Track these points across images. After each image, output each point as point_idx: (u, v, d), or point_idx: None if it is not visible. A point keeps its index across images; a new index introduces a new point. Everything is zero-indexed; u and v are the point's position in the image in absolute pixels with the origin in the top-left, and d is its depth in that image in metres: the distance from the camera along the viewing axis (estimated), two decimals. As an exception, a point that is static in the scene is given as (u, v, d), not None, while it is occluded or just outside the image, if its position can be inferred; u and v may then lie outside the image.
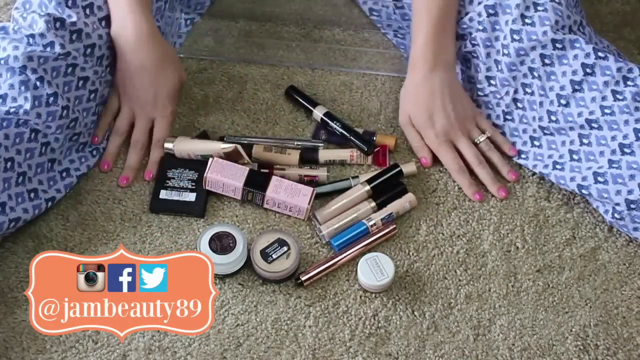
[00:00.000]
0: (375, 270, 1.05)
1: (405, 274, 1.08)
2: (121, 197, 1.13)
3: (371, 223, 1.10)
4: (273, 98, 1.23)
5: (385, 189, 1.13)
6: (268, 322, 1.04)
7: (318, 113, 1.19)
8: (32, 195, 1.05)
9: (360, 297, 1.06)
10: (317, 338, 1.03)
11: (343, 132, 1.16)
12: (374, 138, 1.18)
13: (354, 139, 1.16)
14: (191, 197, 1.11)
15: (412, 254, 1.10)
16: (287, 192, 1.09)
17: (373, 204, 1.11)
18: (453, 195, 1.15)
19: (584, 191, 1.08)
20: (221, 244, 1.05)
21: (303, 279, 1.06)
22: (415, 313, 1.05)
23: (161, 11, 1.20)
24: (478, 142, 1.15)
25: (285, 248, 1.06)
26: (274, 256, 1.05)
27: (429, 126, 1.14)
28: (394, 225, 1.09)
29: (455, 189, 1.15)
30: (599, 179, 1.06)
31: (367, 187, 1.12)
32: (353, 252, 1.08)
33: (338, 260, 1.07)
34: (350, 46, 1.29)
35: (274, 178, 1.10)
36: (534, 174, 1.17)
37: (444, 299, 1.07)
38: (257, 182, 1.10)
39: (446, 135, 1.14)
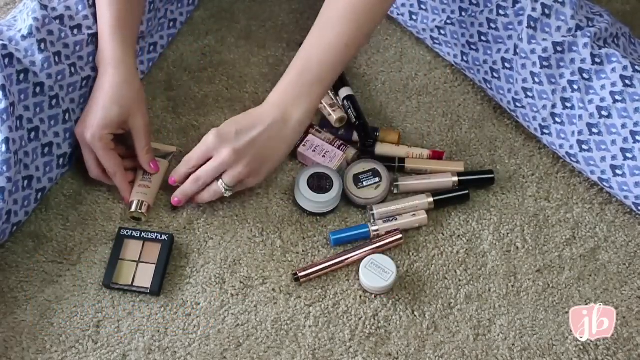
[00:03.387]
0: (378, 272, 1.05)
1: (405, 274, 1.08)
2: (121, 197, 1.13)
3: (374, 229, 1.09)
4: (273, 98, 1.23)
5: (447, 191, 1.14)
6: (268, 322, 1.04)
7: (342, 93, 1.21)
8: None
9: (360, 297, 1.06)
10: (317, 338, 1.03)
11: (356, 119, 1.18)
12: (377, 134, 1.18)
13: (360, 129, 1.17)
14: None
15: (412, 254, 1.10)
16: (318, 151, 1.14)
17: (431, 199, 1.12)
18: (453, 195, 1.15)
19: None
20: (319, 183, 1.09)
21: (300, 274, 1.06)
22: (415, 313, 1.05)
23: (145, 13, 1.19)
24: (218, 182, 1.07)
25: (377, 179, 1.11)
26: (365, 183, 1.11)
27: (219, 128, 1.06)
28: (400, 235, 1.09)
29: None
30: None
31: (431, 199, 1.12)
32: (353, 256, 1.08)
33: (337, 263, 1.07)
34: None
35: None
36: (534, 174, 1.17)
37: (444, 299, 1.07)
38: None
39: (217, 145, 1.05)
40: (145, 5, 1.18)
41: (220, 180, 1.07)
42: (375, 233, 1.10)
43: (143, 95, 1.10)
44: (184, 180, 1.10)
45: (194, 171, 1.08)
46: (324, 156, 1.14)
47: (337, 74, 1.08)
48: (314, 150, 1.15)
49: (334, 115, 1.18)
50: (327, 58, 1.06)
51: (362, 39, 1.07)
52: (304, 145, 1.15)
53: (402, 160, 1.16)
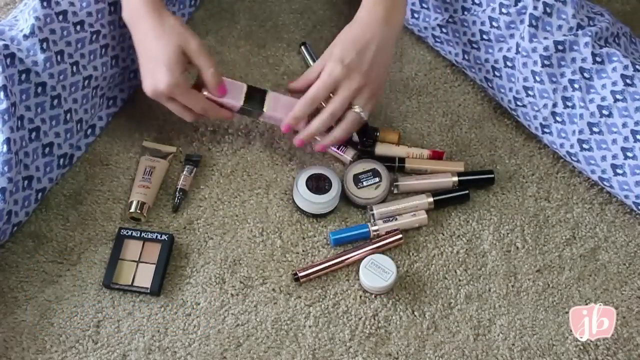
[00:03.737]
0: (378, 272, 1.05)
1: (405, 274, 1.08)
2: (121, 197, 1.13)
3: (374, 229, 1.09)
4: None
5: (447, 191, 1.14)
6: (268, 322, 1.04)
7: None
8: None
9: (360, 297, 1.06)
10: (317, 338, 1.03)
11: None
12: (377, 134, 1.18)
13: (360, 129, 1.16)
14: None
15: (412, 254, 1.10)
16: (284, 109, 1.10)
17: (431, 199, 1.12)
18: (453, 195, 1.15)
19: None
20: (317, 184, 1.10)
21: (300, 274, 1.06)
22: (415, 313, 1.05)
23: None
24: (354, 109, 1.08)
25: (377, 179, 1.11)
26: (365, 183, 1.11)
27: (339, 59, 1.06)
28: (400, 235, 1.09)
29: (455, 189, 1.15)
30: None
31: (431, 199, 1.12)
32: (353, 256, 1.08)
33: (337, 263, 1.07)
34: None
35: (270, 94, 1.11)
36: (534, 174, 1.17)
37: (444, 299, 1.07)
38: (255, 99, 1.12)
39: (345, 73, 1.05)
40: None
41: (356, 107, 1.07)
42: (375, 233, 1.10)
43: (182, 21, 1.08)
44: (301, 123, 1.09)
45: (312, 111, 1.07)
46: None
47: None
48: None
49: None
50: None
51: None
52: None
53: (402, 160, 1.16)
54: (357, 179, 1.12)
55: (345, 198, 1.13)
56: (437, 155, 1.17)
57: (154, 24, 1.05)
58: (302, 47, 1.27)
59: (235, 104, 1.10)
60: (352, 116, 1.08)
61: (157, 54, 1.05)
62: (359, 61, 1.06)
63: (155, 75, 1.05)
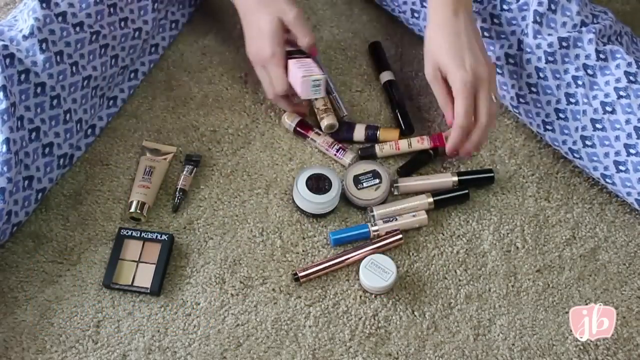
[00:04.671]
0: (378, 272, 1.05)
1: (405, 274, 1.08)
2: (121, 197, 1.13)
3: (374, 229, 1.09)
4: (273, 98, 1.24)
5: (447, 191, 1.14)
6: (268, 322, 1.04)
7: (383, 77, 1.24)
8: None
9: (360, 297, 1.06)
10: (317, 338, 1.03)
11: (394, 105, 1.21)
12: (377, 132, 1.18)
13: (399, 115, 1.19)
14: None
15: (412, 254, 1.10)
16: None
17: (431, 199, 1.12)
18: (453, 195, 1.15)
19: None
20: (317, 184, 1.10)
21: (300, 274, 1.06)
22: (415, 313, 1.05)
23: (147, 12, 1.19)
24: (494, 99, 1.09)
25: (377, 180, 1.11)
26: (365, 184, 1.11)
27: (458, 65, 1.06)
28: (400, 236, 1.09)
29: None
30: None
31: (431, 199, 1.12)
32: (353, 256, 1.08)
33: (337, 263, 1.07)
34: (350, 46, 1.29)
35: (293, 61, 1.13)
36: (534, 174, 1.17)
37: (444, 299, 1.07)
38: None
39: (475, 77, 1.06)
40: (148, 4, 1.18)
41: (491, 97, 1.08)
42: (375, 233, 1.10)
43: None
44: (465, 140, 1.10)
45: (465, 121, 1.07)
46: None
47: None
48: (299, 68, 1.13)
49: (325, 121, 1.18)
50: None
51: None
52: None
53: (434, 149, 1.17)
54: (357, 180, 1.13)
55: (345, 199, 1.13)
56: (437, 140, 1.17)
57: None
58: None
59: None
60: (493, 108, 1.08)
61: (259, 24, 1.11)
62: (475, 56, 1.07)
63: (257, 43, 1.12)
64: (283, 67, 1.11)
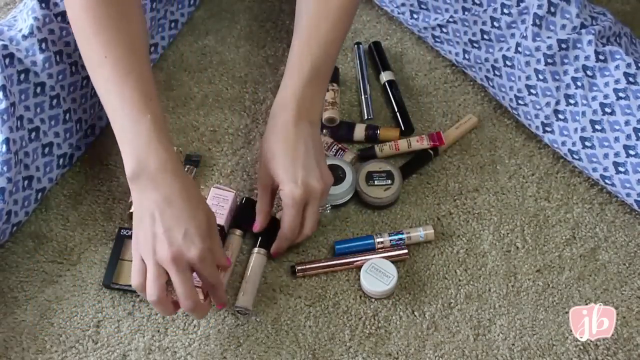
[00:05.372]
0: (379, 276, 1.05)
1: (406, 274, 1.08)
2: (121, 197, 1.13)
3: (379, 240, 1.09)
4: (273, 98, 1.23)
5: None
6: (268, 322, 1.04)
7: (383, 78, 1.24)
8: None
9: (360, 297, 1.06)
10: (317, 338, 1.03)
11: (394, 105, 1.21)
12: (378, 132, 1.18)
13: (398, 115, 1.20)
14: None
15: (412, 254, 1.10)
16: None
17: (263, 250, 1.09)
18: (452, 194, 1.15)
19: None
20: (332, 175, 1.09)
21: (297, 268, 1.06)
22: (415, 313, 1.05)
23: (146, 11, 1.19)
24: (322, 209, 1.08)
25: (389, 181, 1.11)
26: (376, 182, 1.11)
27: (289, 179, 1.01)
28: (406, 250, 1.09)
29: (455, 189, 1.15)
30: None
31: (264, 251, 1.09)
32: (354, 260, 1.08)
33: (337, 264, 1.07)
34: (350, 46, 1.29)
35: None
36: (534, 174, 1.17)
37: (444, 299, 1.07)
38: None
39: (305, 192, 1.01)
40: (147, 3, 1.18)
41: (318, 209, 1.05)
42: (380, 245, 1.09)
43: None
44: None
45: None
46: None
47: (334, 61, 1.08)
48: None
49: (326, 114, 1.18)
50: (330, 51, 1.06)
51: (349, 25, 1.09)
52: None
53: (433, 149, 1.17)
54: (369, 176, 1.13)
55: (351, 197, 1.13)
56: (436, 138, 1.17)
57: (185, 186, 0.94)
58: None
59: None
60: (317, 217, 1.05)
61: (191, 218, 0.92)
62: (309, 170, 1.01)
63: (187, 238, 0.91)
64: (214, 269, 0.96)
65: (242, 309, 1.03)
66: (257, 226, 1.08)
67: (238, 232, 1.09)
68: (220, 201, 1.09)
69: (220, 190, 1.10)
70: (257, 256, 1.07)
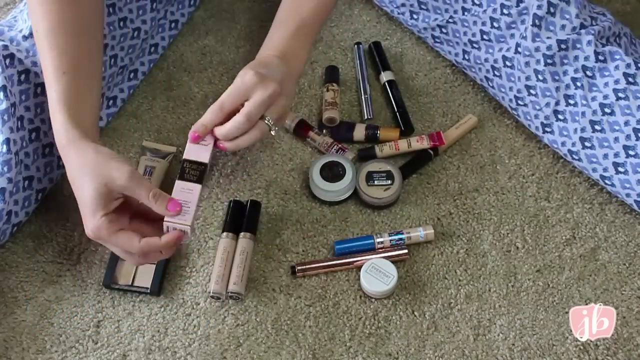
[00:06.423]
0: (379, 276, 1.05)
1: (406, 274, 1.08)
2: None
3: (379, 240, 1.09)
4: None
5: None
6: (268, 322, 1.04)
7: (383, 78, 1.24)
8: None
9: (360, 297, 1.06)
10: (317, 338, 1.03)
11: (394, 105, 1.21)
12: (378, 132, 1.18)
13: (398, 116, 1.20)
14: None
15: (412, 254, 1.10)
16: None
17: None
18: (452, 194, 1.15)
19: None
20: (332, 172, 1.11)
21: (297, 268, 1.06)
22: (415, 313, 1.05)
23: (146, 12, 1.19)
24: (267, 121, 0.99)
25: (389, 182, 1.11)
26: (376, 182, 1.11)
27: (251, 68, 1.00)
28: (406, 250, 1.09)
29: (455, 189, 1.15)
30: None
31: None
32: (354, 260, 1.08)
33: (337, 264, 1.07)
34: (350, 46, 1.29)
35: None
36: (534, 174, 1.17)
37: (444, 299, 1.07)
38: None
39: (259, 81, 0.97)
40: (147, 4, 1.18)
41: (266, 118, 1.00)
42: (380, 245, 1.09)
43: (110, 153, 0.93)
44: (210, 132, 1.00)
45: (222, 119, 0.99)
46: None
47: (323, 21, 1.11)
48: None
49: (326, 114, 1.18)
50: (317, 8, 1.08)
51: None
52: None
53: (433, 149, 1.17)
54: (369, 176, 1.13)
55: (351, 196, 1.13)
56: (437, 138, 1.17)
57: (76, 157, 0.93)
58: None
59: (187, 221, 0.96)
60: (262, 126, 0.99)
61: (78, 194, 0.93)
62: (271, 72, 1.00)
63: (83, 216, 0.93)
64: (120, 235, 0.93)
65: (234, 294, 1.04)
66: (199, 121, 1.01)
67: (230, 235, 1.08)
68: (201, 140, 1.01)
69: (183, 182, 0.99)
70: (243, 240, 1.07)
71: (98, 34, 1.04)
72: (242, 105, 0.98)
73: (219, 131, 0.99)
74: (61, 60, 0.98)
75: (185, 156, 0.99)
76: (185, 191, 0.97)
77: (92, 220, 0.92)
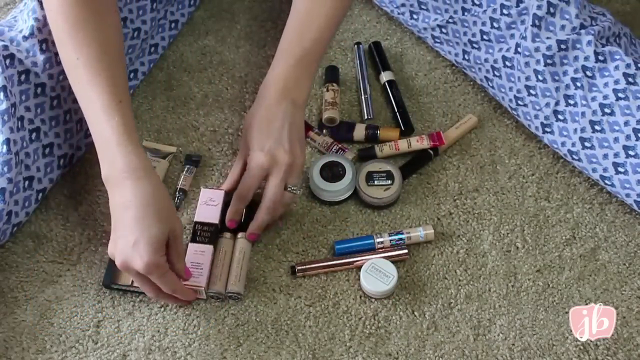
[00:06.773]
0: (379, 276, 1.05)
1: (406, 274, 1.08)
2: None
3: (379, 240, 1.09)
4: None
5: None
6: (268, 322, 1.04)
7: (383, 78, 1.24)
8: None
9: (360, 297, 1.06)
10: (317, 338, 1.03)
11: (394, 104, 1.21)
12: (378, 132, 1.18)
13: (398, 115, 1.20)
14: None
15: (412, 254, 1.10)
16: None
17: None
18: (452, 194, 1.15)
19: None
20: (332, 172, 1.11)
21: (297, 268, 1.06)
22: (415, 313, 1.05)
23: (146, 12, 1.19)
24: (290, 190, 1.06)
25: (389, 182, 1.11)
26: (376, 182, 1.11)
27: (259, 148, 1.05)
28: (406, 250, 1.09)
29: (455, 189, 1.15)
30: None
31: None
32: (354, 261, 1.08)
33: (337, 264, 1.07)
34: (350, 46, 1.29)
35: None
36: (534, 174, 1.17)
37: (444, 299, 1.07)
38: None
39: (270, 162, 1.04)
40: (147, 4, 1.18)
41: (289, 187, 1.06)
42: (380, 245, 1.09)
43: (169, 197, 0.99)
44: (242, 215, 1.08)
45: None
46: None
47: (325, 49, 1.11)
48: None
49: (326, 114, 1.18)
50: (320, 36, 1.09)
51: (343, 13, 1.12)
52: None
53: (433, 149, 1.17)
54: (369, 176, 1.13)
55: (351, 196, 1.13)
56: (437, 138, 1.17)
57: (149, 194, 0.95)
58: None
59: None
60: (289, 197, 1.07)
61: (144, 228, 0.93)
62: (279, 142, 1.04)
63: (136, 248, 0.93)
64: (170, 274, 0.96)
65: (233, 294, 1.04)
66: (223, 185, 1.11)
67: (228, 235, 1.09)
68: (210, 201, 1.09)
69: (209, 190, 1.10)
70: (241, 240, 1.07)
71: (123, 51, 1.05)
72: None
73: (257, 223, 1.06)
74: (116, 88, 0.98)
75: (196, 219, 1.08)
76: (199, 253, 1.05)
77: (153, 257, 0.93)
